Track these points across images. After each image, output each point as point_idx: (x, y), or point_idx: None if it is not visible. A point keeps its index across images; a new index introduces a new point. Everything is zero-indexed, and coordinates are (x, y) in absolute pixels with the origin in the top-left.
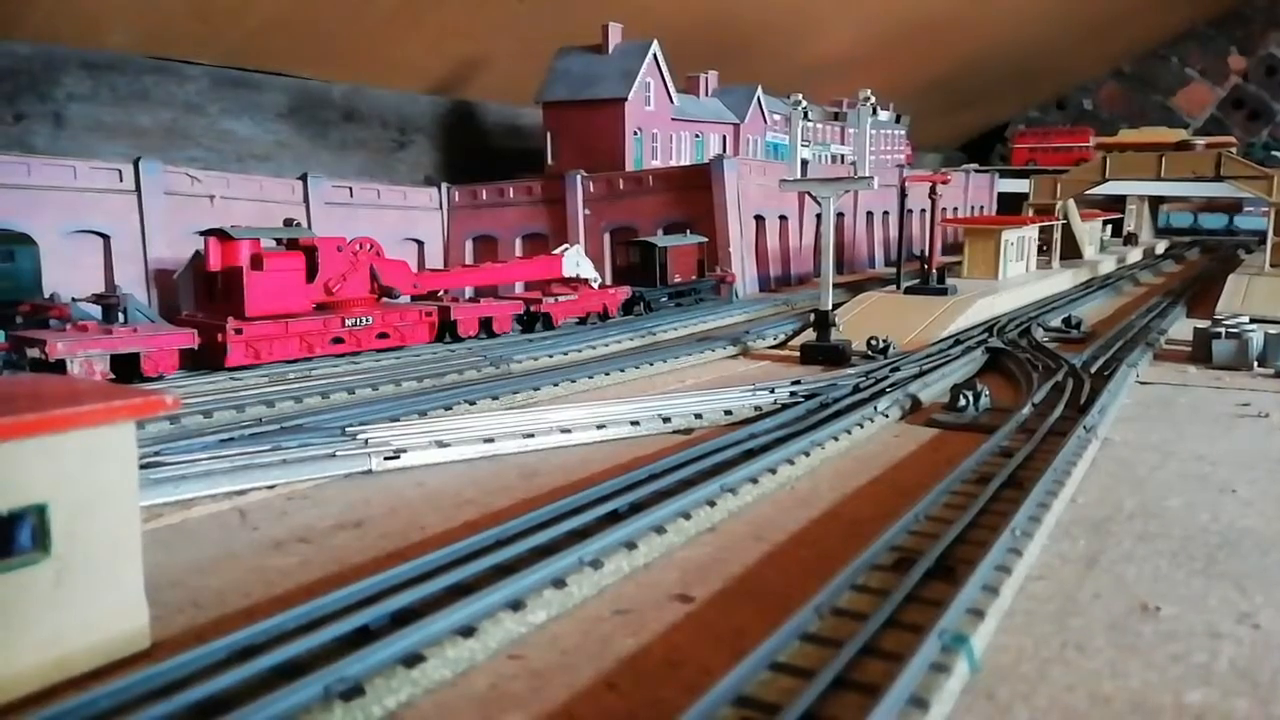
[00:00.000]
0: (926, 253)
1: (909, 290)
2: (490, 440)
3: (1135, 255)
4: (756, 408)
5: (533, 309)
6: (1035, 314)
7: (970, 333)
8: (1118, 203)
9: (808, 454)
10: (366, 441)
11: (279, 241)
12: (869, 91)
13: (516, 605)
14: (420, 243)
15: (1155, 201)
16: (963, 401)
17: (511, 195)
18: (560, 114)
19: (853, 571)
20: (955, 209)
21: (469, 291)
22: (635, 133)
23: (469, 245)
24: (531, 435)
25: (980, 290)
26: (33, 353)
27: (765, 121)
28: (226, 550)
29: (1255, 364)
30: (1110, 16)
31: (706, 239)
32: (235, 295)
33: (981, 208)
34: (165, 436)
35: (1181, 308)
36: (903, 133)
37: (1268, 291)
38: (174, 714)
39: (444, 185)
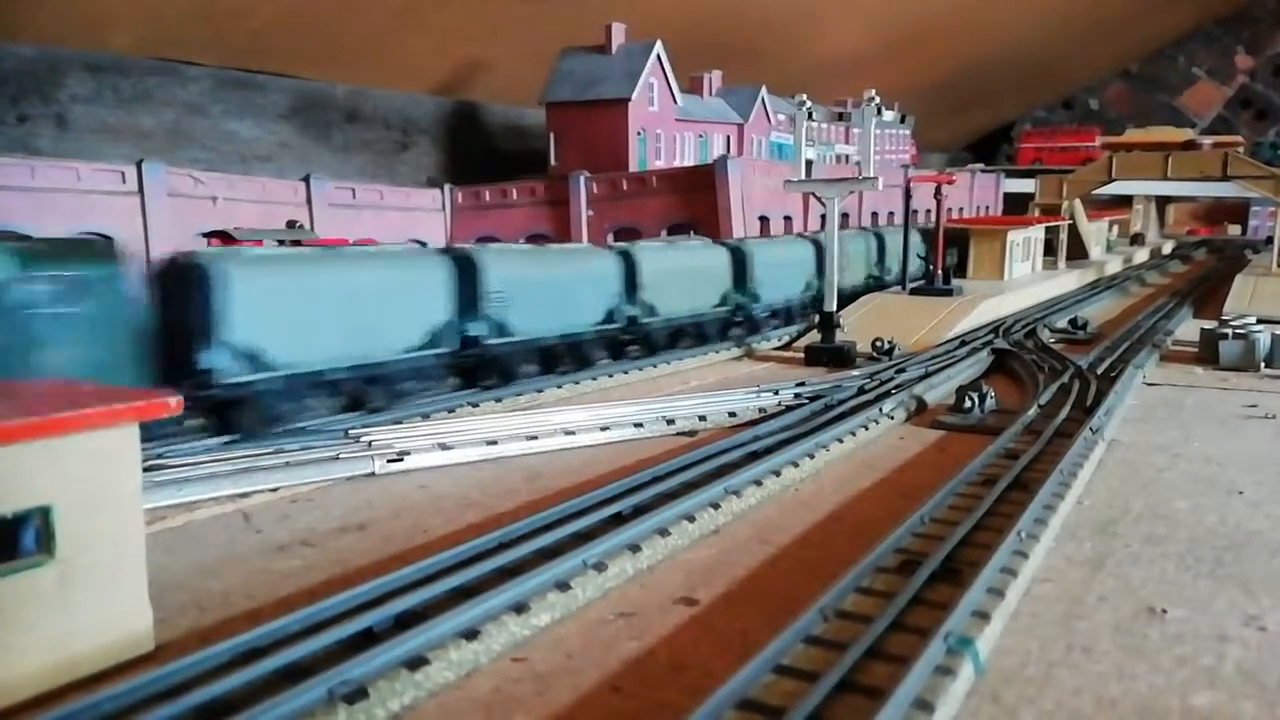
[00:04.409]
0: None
1: (914, 291)
2: (494, 442)
3: (1142, 255)
4: (761, 409)
5: None
6: (1041, 315)
7: (976, 334)
8: (1124, 203)
9: (812, 456)
10: (370, 444)
11: (282, 243)
12: (874, 91)
13: (520, 608)
14: (423, 244)
15: (1162, 201)
16: (968, 403)
17: (515, 196)
18: (564, 115)
19: (857, 574)
20: (961, 209)
21: None
22: (639, 133)
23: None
24: (535, 437)
25: (986, 291)
26: None
27: (769, 122)
28: (230, 553)
29: (1262, 365)
30: (1117, 16)
31: (710, 240)
32: None
33: (987, 208)
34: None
35: (1188, 308)
36: (908, 133)
37: (1275, 292)
38: (178, 716)
39: (447, 186)
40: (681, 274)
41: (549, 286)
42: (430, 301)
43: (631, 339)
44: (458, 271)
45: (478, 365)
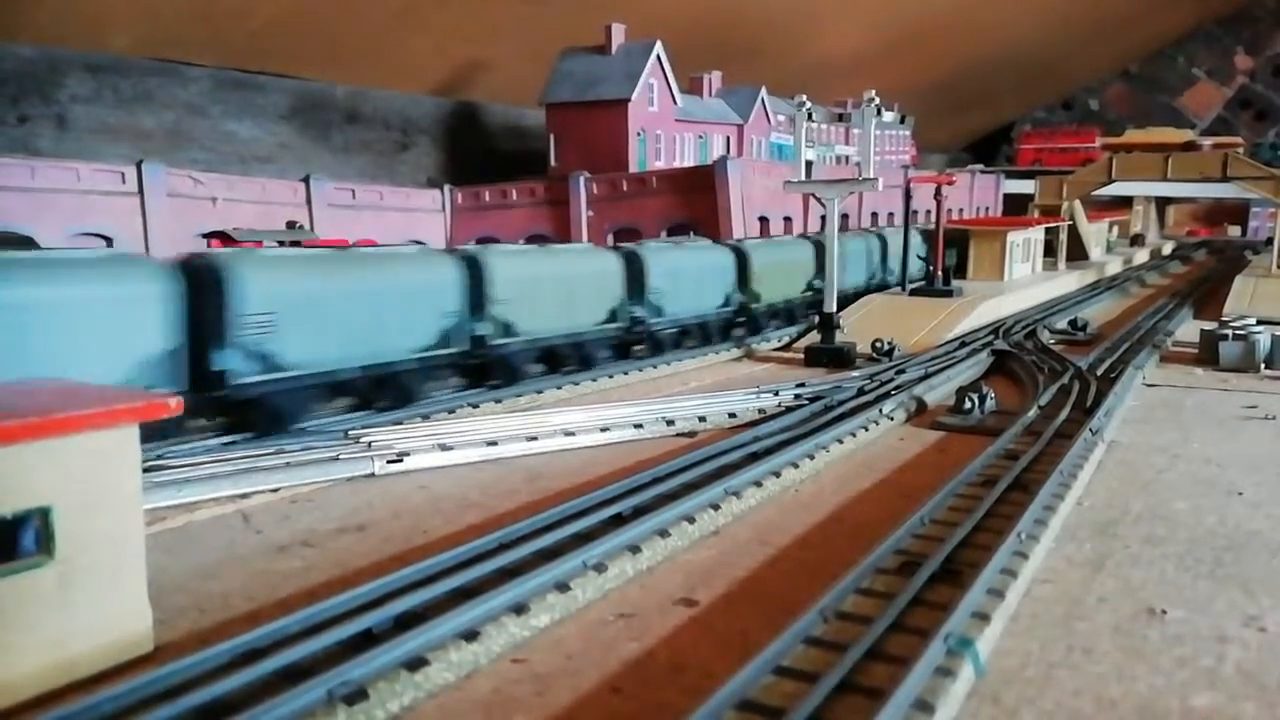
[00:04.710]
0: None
1: (914, 292)
2: (493, 443)
3: (1142, 256)
4: (760, 410)
5: None
6: (1041, 316)
7: (976, 335)
8: (1124, 204)
9: (812, 457)
10: (369, 444)
11: (282, 243)
12: (874, 92)
13: (520, 609)
14: (423, 245)
15: (1162, 202)
16: (968, 404)
17: (515, 197)
18: (564, 115)
19: (857, 575)
20: (961, 210)
21: None
22: (639, 134)
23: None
24: (535, 438)
25: (985, 292)
26: None
27: (769, 122)
28: (230, 554)
29: (1262, 366)
30: (1117, 17)
31: (710, 241)
32: None
33: (987, 209)
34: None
35: (1188, 309)
36: (908, 134)
37: (1275, 293)
38: (177, 717)
39: (447, 187)
40: (553, 284)
41: (347, 304)
42: (142, 327)
43: (481, 364)
44: (190, 288)
45: (230, 407)
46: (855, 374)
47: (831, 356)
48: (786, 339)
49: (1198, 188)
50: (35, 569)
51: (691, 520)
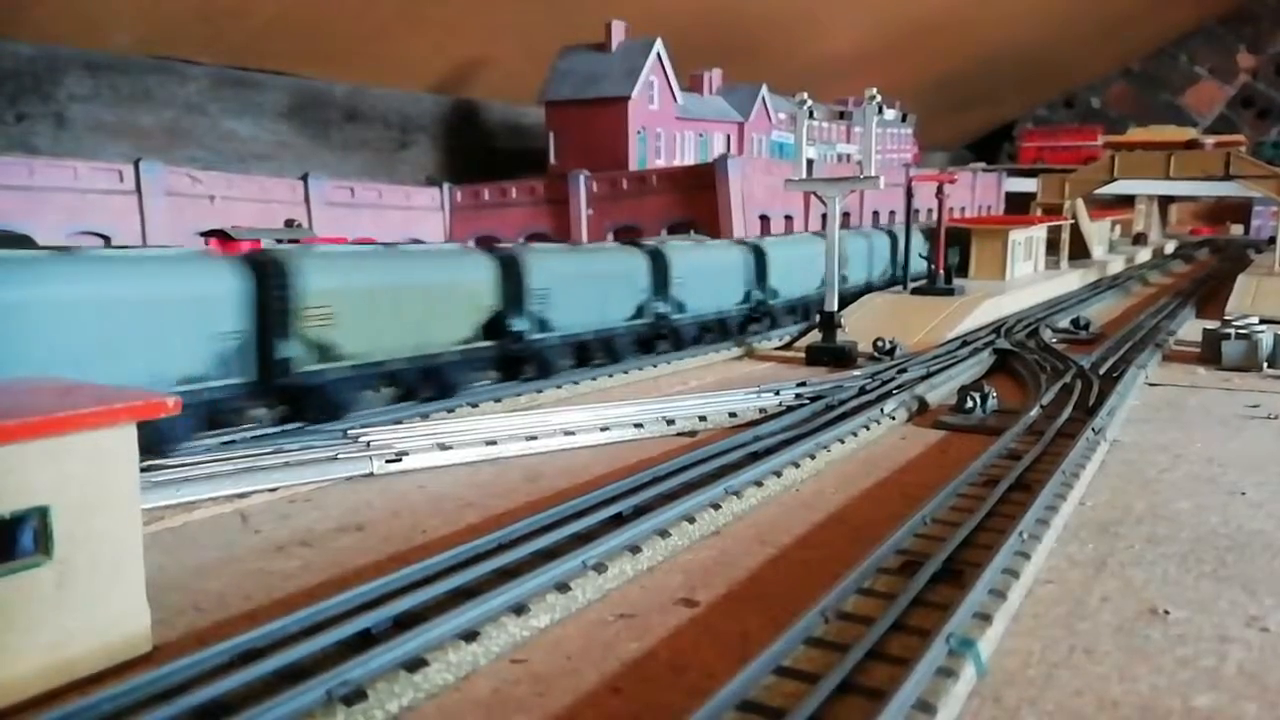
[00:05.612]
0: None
1: (915, 291)
2: (493, 443)
3: (1144, 255)
4: (761, 410)
5: None
6: (1043, 315)
7: (977, 334)
8: (1127, 202)
9: (813, 456)
10: (368, 444)
11: (280, 242)
12: (875, 90)
13: (519, 609)
14: (422, 243)
15: (1165, 201)
16: (970, 403)
17: (514, 195)
18: (563, 113)
19: (859, 575)
20: (963, 208)
21: None
22: (639, 132)
23: (471, 246)
24: (534, 438)
25: (987, 291)
26: None
27: (770, 120)
28: (228, 553)
29: (1265, 365)
30: (1119, 15)
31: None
32: None
33: (989, 207)
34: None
35: (1191, 308)
36: (909, 132)
37: (1278, 292)
38: (176, 717)
39: (446, 185)
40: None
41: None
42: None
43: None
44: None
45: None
46: (856, 373)
47: (833, 355)
48: (788, 338)
49: (1200, 186)
50: (33, 569)
51: (692, 520)
